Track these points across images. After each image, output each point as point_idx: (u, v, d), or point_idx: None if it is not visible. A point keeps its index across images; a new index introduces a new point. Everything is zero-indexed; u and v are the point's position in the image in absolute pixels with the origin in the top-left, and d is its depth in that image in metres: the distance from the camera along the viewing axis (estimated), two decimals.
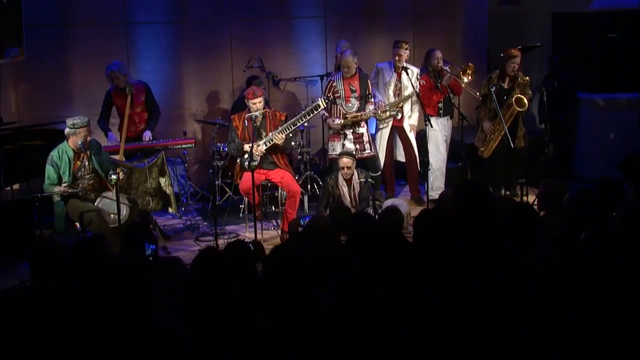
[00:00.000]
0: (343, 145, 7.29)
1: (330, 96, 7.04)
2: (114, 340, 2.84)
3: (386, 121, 7.59)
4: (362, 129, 7.32)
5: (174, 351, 2.58)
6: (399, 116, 7.52)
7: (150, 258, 4.34)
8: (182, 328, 2.67)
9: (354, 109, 7.25)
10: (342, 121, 7.18)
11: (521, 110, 7.22)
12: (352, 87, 7.23)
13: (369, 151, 7.36)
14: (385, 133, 7.65)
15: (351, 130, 7.30)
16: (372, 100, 7.32)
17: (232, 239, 6.84)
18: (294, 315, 3.06)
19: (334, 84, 7.28)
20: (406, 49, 7.43)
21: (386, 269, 3.43)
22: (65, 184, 5.97)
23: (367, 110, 7.26)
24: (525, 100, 7.20)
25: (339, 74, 7.34)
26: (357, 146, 7.30)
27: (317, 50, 8.87)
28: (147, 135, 7.19)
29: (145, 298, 3.22)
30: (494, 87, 7.24)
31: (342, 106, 7.23)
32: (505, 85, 7.36)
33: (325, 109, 7.06)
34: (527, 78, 7.36)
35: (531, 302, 3.13)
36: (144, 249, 4.39)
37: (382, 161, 7.69)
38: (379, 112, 7.38)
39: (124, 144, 6.77)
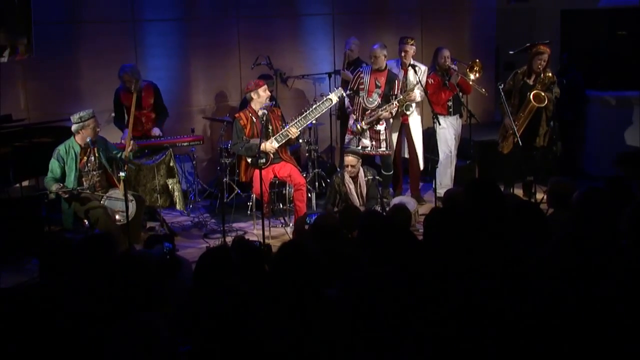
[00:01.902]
0: (359, 139, 7.29)
1: (341, 89, 7.00)
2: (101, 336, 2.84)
3: (396, 119, 7.56)
4: (381, 127, 7.31)
5: (153, 348, 2.58)
6: (410, 111, 7.48)
7: (167, 256, 4.34)
8: (162, 324, 2.67)
9: (374, 104, 7.25)
10: (361, 127, 7.20)
11: (539, 105, 7.14)
12: (377, 83, 7.23)
13: (384, 149, 7.35)
14: (395, 130, 7.61)
15: (368, 127, 7.31)
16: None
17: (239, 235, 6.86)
18: (302, 311, 3.07)
19: (361, 75, 7.31)
20: (412, 44, 7.38)
21: (395, 266, 3.43)
22: (60, 185, 5.96)
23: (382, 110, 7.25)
24: (544, 96, 7.11)
25: (369, 67, 7.35)
26: (373, 142, 7.30)
27: (325, 48, 8.87)
28: (157, 131, 7.23)
29: (150, 294, 3.24)
30: (502, 86, 7.20)
31: (363, 99, 7.25)
32: (530, 82, 7.27)
33: (349, 96, 7.12)
34: (550, 75, 7.23)
35: (537, 300, 3.12)
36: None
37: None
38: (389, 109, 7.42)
39: (130, 142, 6.80)
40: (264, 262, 4.02)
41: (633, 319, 3.03)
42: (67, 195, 5.99)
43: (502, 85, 7.22)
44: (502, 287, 3.24)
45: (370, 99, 7.26)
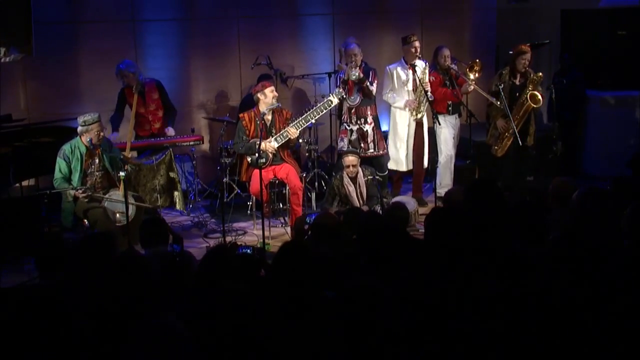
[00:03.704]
0: (350, 141, 7.31)
1: (342, 91, 7.01)
2: (117, 338, 2.84)
3: (414, 119, 7.53)
4: (368, 127, 7.32)
5: (174, 350, 2.57)
6: (423, 111, 7.48)
7: (177, 259, 4.33)
8: (182, 326, 2.66)
9: (357, 102, 7.29)
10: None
11: (535, 106, 7.18)
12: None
13: (372, 150, 7.35)
14: (411, 131, 7.54)
15: (357, 127, 7.32)
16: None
17: (240, 235, 6.87)
18: (302, 312, 3.06)
19: (341, 77, 7.31)
20: (417, 39, 7.40)
21: (394, 266, 3.43)
22: (80, 190, 5.97)
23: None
24: (540, 97, 7.16)
25: (343, 71, 7.36)
26: (362, 145, 7.31)
27: (325, 48, 8.87)
28: (171, 131, 7.24)
29: (149, 295, 3.23)
30: (502, 85, 7.21)
31: (346, 99, 7.27)
32: (517, 82, 7.32)
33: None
34: (540, 74, 7.29)
35: (536, 299, 3.12)
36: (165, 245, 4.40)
37: (408, 161, 7.59)
38: (413, 112, 7.41)
39: (130, 142, 6.82)
40: (258, 268, 4.01)
41: (633, 318, 3.03)
42: (87, 199, 6.00)
43: (502, 85, 7.23)
44: (502, 286, 3.24)
45: (352, 97, 7.29)
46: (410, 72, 7.40)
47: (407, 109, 7.43)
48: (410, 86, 7.44)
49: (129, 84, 7.07)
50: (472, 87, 7.35)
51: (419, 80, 7.29)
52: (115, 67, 7.14)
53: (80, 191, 5.97)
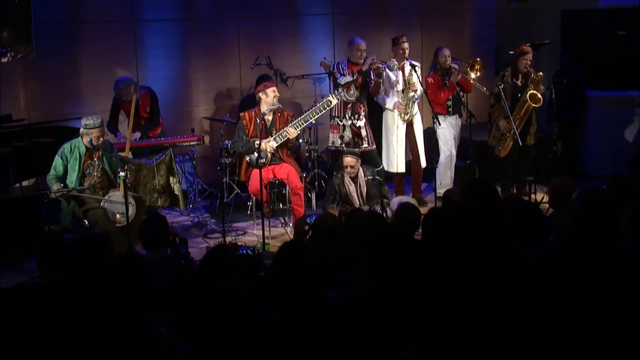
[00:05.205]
0: (342, 137, 7.33)
1: (341, 91, 7.02)
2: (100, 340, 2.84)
3: (403, 121, 7.54)
4: (361, 122, 7.35)
5: (153, 350, 2.57)
6: (414, 112, 7.50)
7: (183, 261, 4.32)
8: (164, 330, 2.65)
9: (353, 98, 7.30)
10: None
11: (536, 106, 7.20)
12: (354, 76, 7.26)
13: (366, 145, 7.38)
14: (401, 132, 7.56)
15: (350, 123, 7.33)
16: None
17: (240, 235, 6.87)
18: (301, 312, 3.06)
19: (341, 67, 7.34)
20: (406, 41, 7.41)
21: (394, 267, 3.43)
22: (63, 187, 5.96)
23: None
24: (540, 96, 7.18)
25: (345, 61, 7.39)
26: (355, 139, 7.34)
27: (325, 48, 8.85)
28: (136, 134, 7.21)
29: (145, 296, 3.23)
30: (502, 86, 7.21)
31: (344, 93, 7.27)
32: (519, 82, 7.33)
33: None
34: (541, 74, 7.32)
35: (535, 300, 3.13)
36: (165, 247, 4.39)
37: (400, 161, 7.60)
38: (401, 113, 7.41)
39: (130, 142, 6.83)
40: (258, 268, 4.01)
41: (632, 319, 3.03)
42: (63, 198, 6.00)
43: (502, 86, 7.23)
44: (500, 287, 3.24)
45: (350, 92, 7.28)
46: (400, 73, 7.42)
47: (395, 111, 7.44)
48: (400, 87, 7.45)
49: (126, 101, 7.07)
50: (459, 76, 7.36)
51: (411, 80, 7.30)
52: (114, 83, 7.16)
53: (61, 187, 5.95)
